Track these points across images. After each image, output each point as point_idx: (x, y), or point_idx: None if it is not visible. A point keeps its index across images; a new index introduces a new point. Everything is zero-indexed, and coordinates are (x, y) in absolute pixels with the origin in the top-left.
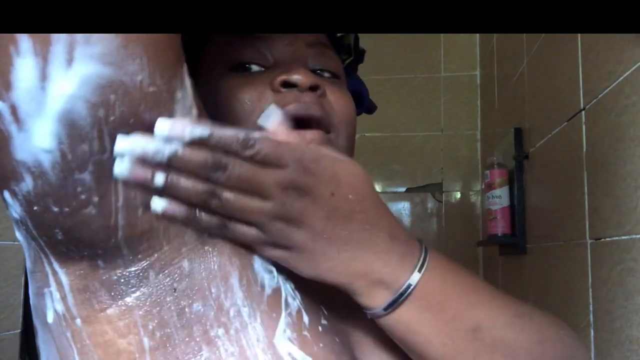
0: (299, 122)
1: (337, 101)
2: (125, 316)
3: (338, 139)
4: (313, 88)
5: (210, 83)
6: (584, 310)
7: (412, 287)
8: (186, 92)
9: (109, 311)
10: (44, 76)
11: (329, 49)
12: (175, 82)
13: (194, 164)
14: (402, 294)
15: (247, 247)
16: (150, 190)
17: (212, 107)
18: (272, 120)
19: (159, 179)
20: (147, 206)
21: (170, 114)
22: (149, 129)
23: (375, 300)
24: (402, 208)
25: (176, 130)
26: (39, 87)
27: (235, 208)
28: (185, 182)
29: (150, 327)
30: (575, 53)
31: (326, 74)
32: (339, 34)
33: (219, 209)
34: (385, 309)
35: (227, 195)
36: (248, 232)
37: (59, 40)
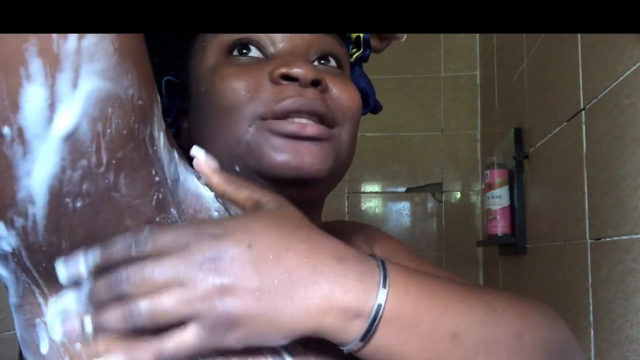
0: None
1: (341, 95)
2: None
3: (342, 134)
4: (315, 83)
5: (204, 69)
6: (584, 310)
7: (382, 307)
8: (159, 107)
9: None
10: (52, 94)
11: (334, 37)
12: (153, 97)
13: (105, 292)
14: (375, 317)
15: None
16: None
17: (204, 98)
18: (199, 161)
19: (88, 325)
20: (138, 214)
21: (151, 126)
22: (138, 140)
23: (350, 332)
24: (402, 208)
25: (72, 269)
26: (47, 107)
27: (157, 312)
28: (108, 315)
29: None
30: (575, 53)
31: (332, 62)
32: None
33: (148, 321)
34: (362, 338)
35: (143, 303)
36: (187, 336)
37: (67, 58)
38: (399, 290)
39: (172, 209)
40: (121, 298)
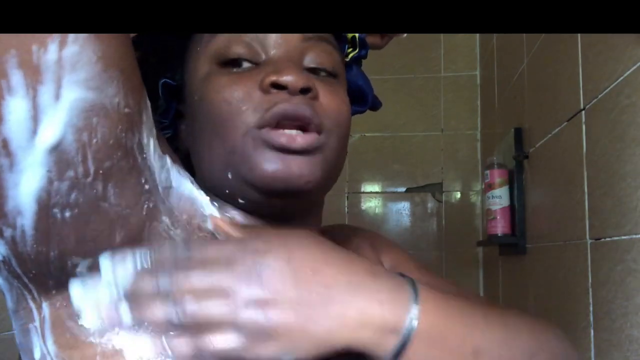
0: (288, 123)
1: (330, 103)
2: (111, 335)
3: (329, 141)
4: (304, 90)
5: (197, 77)
6: (584, 310)
7: (415, 322)
8: (149, 114)
9: (94, 331)
10: (35, 106)
11: (328, 44)
12: (142, 104)
13: (148, 290)
14: (408, 332)
15: None
16: (125, 329)
17: (198, 106)
18: (212, 220)
19: (126, 315)
20: (128, 224)
21: (139, 134)
22: (125, 149)
23: (385, 347)
24: (402, 208)
25: (119, 267)
26: (30, 118)
27: (200, 316)
28: (148, 311)
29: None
30: (575, 53)
31: (322, 73)
32: None
33: (189, 321)
34: (396, 354)
35: (189, 306)
36: (228, 340)
37: (48, 70)
38: (429, 307)
39: (163, 217)
40: (165, 297)
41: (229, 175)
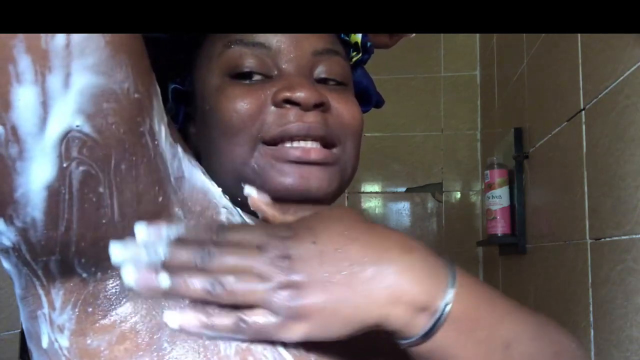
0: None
1: (343, 112)
2: (120, 323)
3: (344, 152)
4: (317, 105)
5: (207, 88)
6: (584, 310)
7: (449, 307)
8: (159, 99)
9: (103, 321)
10: (44, 92)
11: (337, 55)
12: (151, 90)
13: (186, 260)
14: (440, 316)
15: (273, 342)
16: (161, 294)
17: (210, 116)
18: (253, 198)
19: (164, 280)
20: (139, 213)
21: (150, 120)
22: (137, 135)
23: (414, 327)
24: (402, 208)
25: (153, 235)
26: (39, 103)
27: (239, 291)
28: (186, 278)
29: (145, 330)
30: (575, 53)
31: (331, 82)
32: (344, 35)
33: (227, 297)
34: (425, 335)
35: (229, 280)
36: (263, 319)
37: (57, 55)
38: (465, 292)
39: (176, 209)
40: (202, 271)
41: (242, 185)
